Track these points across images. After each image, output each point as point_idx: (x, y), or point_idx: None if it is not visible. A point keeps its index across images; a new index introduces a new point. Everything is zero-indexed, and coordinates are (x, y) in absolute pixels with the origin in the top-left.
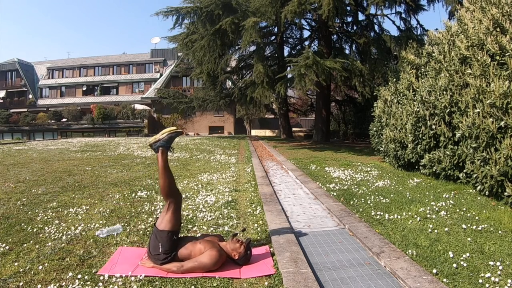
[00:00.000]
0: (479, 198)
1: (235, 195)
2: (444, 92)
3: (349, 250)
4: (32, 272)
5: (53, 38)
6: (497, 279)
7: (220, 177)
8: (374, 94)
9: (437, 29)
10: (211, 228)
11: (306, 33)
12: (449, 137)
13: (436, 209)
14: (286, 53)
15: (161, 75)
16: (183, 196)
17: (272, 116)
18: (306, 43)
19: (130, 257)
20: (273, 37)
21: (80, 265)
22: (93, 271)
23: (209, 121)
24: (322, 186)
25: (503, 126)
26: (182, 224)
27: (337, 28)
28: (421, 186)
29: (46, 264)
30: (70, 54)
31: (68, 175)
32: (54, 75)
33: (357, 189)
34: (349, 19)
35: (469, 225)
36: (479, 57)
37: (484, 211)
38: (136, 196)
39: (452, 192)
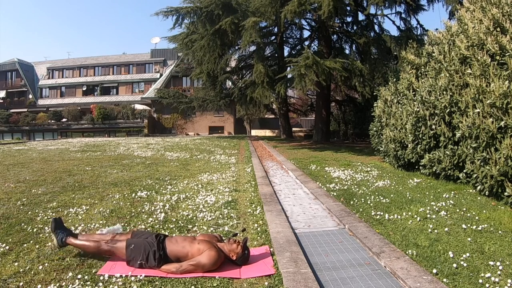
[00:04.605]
0: (479, 198)
1: (235, 195)
2: (444, 92)
3: (349, 250)
4: (32, 272)
5: (53, 37)
6: (497, 279)
7: (220, 177)
8: (374, 94)
9: (437, 29)
10: (211, 228)
11: (306, 33)
12: (449, 137)
13: (436, 209)
14: (286, 53)
15: (161, 75)
16: (183, 196)
17: (272, 116)
18: (306, 43)
19: None
20: (273, 37)
21: (80, 265)
22: (93, 271)
23: (209, 121)
24: (322, 186)
25: (503, 126)
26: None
27: (337, 28)
28: (421, 186)
29: (46, 264)
30: (70, 54)
31: (68, 175)
32: (54, 75)
33: (357, 189)
34: (349, 19)
35: (469, 225)
36: (479, 57)
37: (484, 211)
38: (136, 196)
39: (452, 192)
